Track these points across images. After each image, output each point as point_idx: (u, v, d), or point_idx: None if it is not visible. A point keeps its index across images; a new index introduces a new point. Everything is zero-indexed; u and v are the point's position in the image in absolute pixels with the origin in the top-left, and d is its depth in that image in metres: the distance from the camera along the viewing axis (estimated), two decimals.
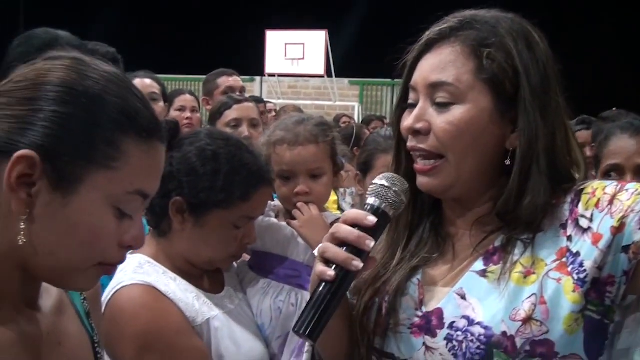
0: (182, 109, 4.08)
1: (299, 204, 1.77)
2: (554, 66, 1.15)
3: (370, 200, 1.10)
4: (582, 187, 1.12)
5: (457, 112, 1.11)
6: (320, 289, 1.06)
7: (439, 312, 1.12)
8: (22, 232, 0.85)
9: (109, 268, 0.95)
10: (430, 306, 1.14)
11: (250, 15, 13.75)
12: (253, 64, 12.31)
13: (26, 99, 0.87)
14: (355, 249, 1.06)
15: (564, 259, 1.07)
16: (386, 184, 1.10)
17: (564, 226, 1.10)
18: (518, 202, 1.11)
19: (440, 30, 1.15)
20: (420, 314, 1.15)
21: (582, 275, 1.05)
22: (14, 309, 0.93)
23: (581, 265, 1.05)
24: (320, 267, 1.07)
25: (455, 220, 1.22)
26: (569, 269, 1.06)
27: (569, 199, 1.12)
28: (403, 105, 1.21)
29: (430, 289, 1.17)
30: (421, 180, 1.16)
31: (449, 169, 1.13)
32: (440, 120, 1.12)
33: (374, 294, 1.21)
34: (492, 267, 1.11)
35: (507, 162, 1.13)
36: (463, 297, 1.11)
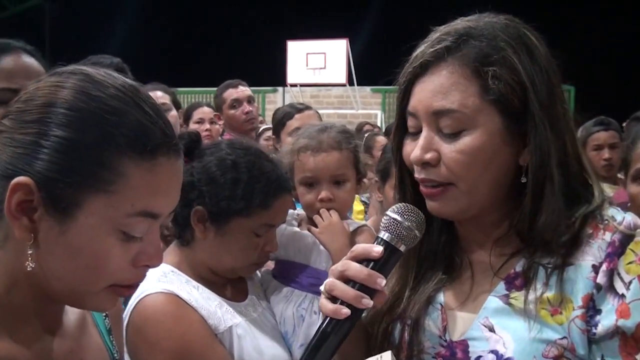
0: (200, 121, 4.13)
1: (321, 210, 1.78)
2: (554, 68, 1.10)
3: (382, 233, 1.07)
4: (631, 234, 1.05)
5: (467, 139, 1.05)
6: (325, 325, 1.04)
7: (464, 345, 1.09)
8: (30, 258, 0.85)
9: (124, 290, 0.92)
10: (455, 334, 1.11)
11: (271, 27, 13.85)
12: (275, 75, 12.40)
13: (27, 121, 0.85)
14: (364, 285, 1.04)
15: (586, 310, 1.03)
16: (399, 219, 1.06)
17: (595, 268, 1.04)
18: (532, 222, 1.07)
19: (436, 51, 1.07)
20: (444, 342, 1.12)
21: (592, 332, 1.03)
22: (36, 328, 0.93)
23: (596, 326, 1.03)
24: (329, 306, 1.04)
25: (470, 238, 1.18)
26: (587, 319, 1.03)
27: (608, 237, 1.05)
28: (403, 134, 1.15)
29: (453, 314, 1.14)
30: (431, 205, 1.12)
31: (458, 195, 1.08)
32: (450, 150, 1.06)
33: (393, 319, 1.19)
34: (514, 293, 1.08)
35: (523, 179, 1.08)
36: (491, 330, 1.07)
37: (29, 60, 1.67)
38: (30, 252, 0.85)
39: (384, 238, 1.06)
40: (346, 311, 1.02)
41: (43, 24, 16.72)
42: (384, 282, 1.04)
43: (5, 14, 16.62)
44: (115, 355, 1.10)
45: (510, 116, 1.05)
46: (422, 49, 1.10)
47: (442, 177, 1.08)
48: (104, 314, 1.11)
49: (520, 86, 1.04)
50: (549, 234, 1.06)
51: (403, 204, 1.10)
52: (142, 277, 0.92)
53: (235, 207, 1.52)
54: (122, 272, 0.89)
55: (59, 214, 0.84)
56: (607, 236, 1.05)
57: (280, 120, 3.28)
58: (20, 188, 0.83)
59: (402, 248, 1.06)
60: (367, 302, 1.03)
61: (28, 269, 0.85)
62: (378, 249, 1.05)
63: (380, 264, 1.05)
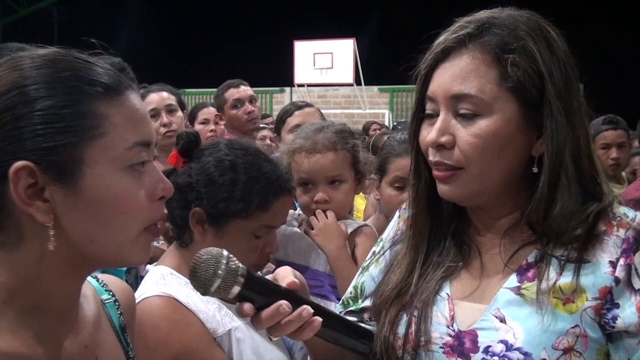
0: (205, 121, 4.10)
1: (316, 211, 1.76)
2: (572, 62, 1.11)
3: (230, 294, 1.02)
4: None
5: (483, 124, 1.07)
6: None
7: (473, 335, 1.09)
8: (52, 238, 0.86)
9: (154, 229, 0.95)
10: (463, 324, 1.11)
11: (278, 27, 13.87)
12: (282, 75, 12.43)
13: None
14: (293, 300, 1.04)
15: (603, 302, 1.04)
16: (207, 290, 1.00)
17: (613, 264, 1.05)
18: (547, 211, 1.08)
19: (458, 37, 1.10)
20: (452, 332, 1.12)
21: (610, 324, 1.04)
22: (51, 325, 0.93)
23: (614, 319, 1.03)
24: (307, 332, 1.05)
25: (480, 227, 1.19)
26: (602, 312, 1.04)
27: (622, 233, 1.07)
28: (421, 115, 1.17)
29: (461, 304, 1.14)
30: (442, 188, 1.13)
31: (469, 179, 1.10)
32: (466, 133, 1.08)
33: (400, 309, 1.19)
34: (526, 284, 1.08)
35: (535, 169, 1.09)
36: (502, 320, 1.07)
37: None
38: (52, 233, 0.86)
39: (233, 293, 1.01)
40: (318, 321, 1.04)
41: (51, 26, 16.84)
42: (284, 305, 1.02)
43: (14, 17, 16.76)
44: (130, 353, 1.10)
45: (526, 105, 1.07)
46: (445, 36, 1.12)
47: (455, 160, 1.09)
48: (119, 312, 1.11)
49: (538, 75, 1.06)
50: (563, 224, 1.07)
51: (191, 277, 1.03)
52: (162, 210, 0.97)
53: (233, 208, 1.50)
54: (145, 209, 0.92)
55: (67, 179, 0.86)
56: (621, 233, 1.07)
57: (281, 117, 3.26)
58: (21, 173, 0.84)
59: (238, 285, 1.01)
60: (312, 328, 1.06)
61: (51, 248, 0.86)
62: (247, 308, 1.01)
63: (261, 304, 1.03)
